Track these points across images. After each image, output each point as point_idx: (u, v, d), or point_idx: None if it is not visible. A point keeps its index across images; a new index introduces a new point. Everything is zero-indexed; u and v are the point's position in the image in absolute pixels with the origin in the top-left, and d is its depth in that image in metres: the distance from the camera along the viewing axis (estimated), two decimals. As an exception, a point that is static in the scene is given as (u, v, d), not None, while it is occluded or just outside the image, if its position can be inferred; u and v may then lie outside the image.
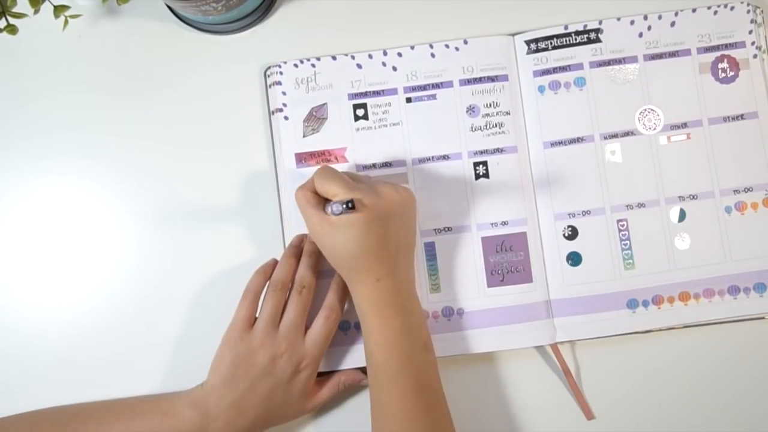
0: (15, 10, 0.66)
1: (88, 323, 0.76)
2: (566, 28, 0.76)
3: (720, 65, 0.76)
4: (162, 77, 0.78)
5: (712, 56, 0.76)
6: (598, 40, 0.76)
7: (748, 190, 0.75)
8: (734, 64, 0.76)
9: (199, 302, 0.76)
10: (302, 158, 0.76)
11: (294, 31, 0.78)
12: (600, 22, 0.76)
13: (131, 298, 0.76)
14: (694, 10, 0.76)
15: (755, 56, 0.76)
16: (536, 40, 0.77)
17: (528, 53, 0.77)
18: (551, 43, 0.76)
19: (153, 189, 0.77)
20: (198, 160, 0.77)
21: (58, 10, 0.69)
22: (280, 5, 0.78)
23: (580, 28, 0.76)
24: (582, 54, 0.76)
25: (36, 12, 0.66)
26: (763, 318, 0.75)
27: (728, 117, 0.76)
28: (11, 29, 0.66)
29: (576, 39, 0.76)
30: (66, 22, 0.70)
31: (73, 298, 0.76)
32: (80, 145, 0.77)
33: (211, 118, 0.77)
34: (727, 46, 0.76)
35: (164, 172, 0.77)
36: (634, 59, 0.76)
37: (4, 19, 0.66)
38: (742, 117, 0.76)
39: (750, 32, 0.76)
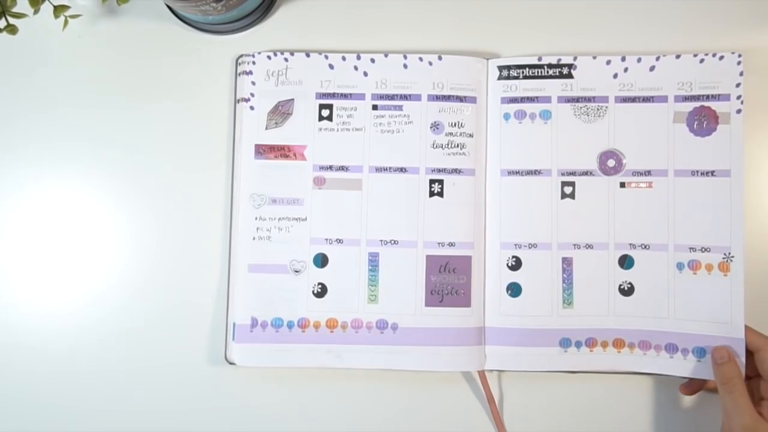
0: (15, 10, 0.67)
1: (85, 320, 0.79)
2: (540, 59, 0.76)
3: (697, 116, 0.75)
4: (161, 77, 0.79)
5: (690, 106, 0.75)
6: (570, 76, 0.76)
7: (706, 250, 0.74)
8: (713, 117, 0.74)
9: (181, 293, 0.79)
10: (261, 150, 0.77)
11: (293, 31, 0.79)
12: (574, 58, 0.76)
13: (127, 294, 0.79)
14: (678, 57, 0.75)
15: (739, 111, 0.74)
16: (508, 67, 0.76)
17: (499, 79, 0.76)
18: (523, 72, 0.76)
19: (152, 190, 0.79)
20: (198, 158, 0.79)
21: (58, 10, 0.71)
22: (279, 5, 0.80)
23: (554, 61, 0.76)
24: (552, 87, 0.76)
25: (36, 12, 0.68)
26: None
27: (697, 171, 0.74)
28: (11, 29, 0.67)
29: (548, 72, 0.76)
30: (66, 22, 0.72)
31: (72, 296, 0.79)
32: (80, 143, 0.79)
33: (211, 116, 0.79)
34: (708, 97, 0.75)
35: (163, 171, 0.79)
36: (604, 99, 0.75)
37: (4, 19, 0.67)
38: (712, 173, 0.74)
39: (738, 85, 0.74)
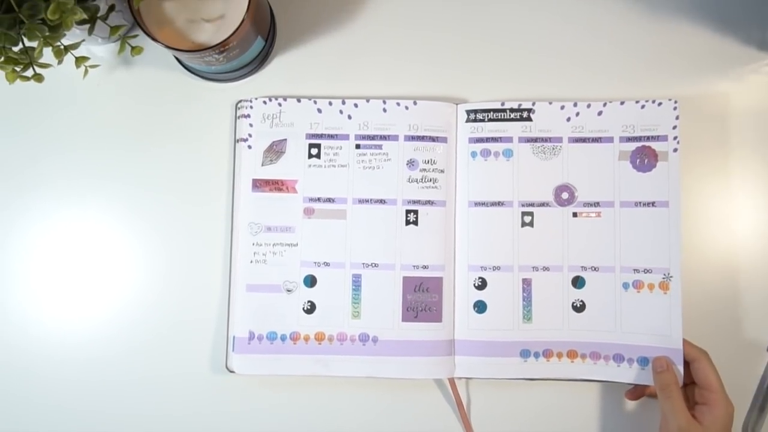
0: (41, 60, 0.70)
1: (103, 334, 0.85)
2: (503, 104, 0.82)
3: (639, 155, 0.81)
4: (170, 120, 0.85)
5: (633, 146, 0.81)
6: (529, 119, 0.82)
7: (648, 271, 0.80)
8: (653, 155, 0.81)
9: (187, 310, 0.85)
10: (258, 184, 0.83)
11: (286, 79, 0.85)
12: (533, 104, 0.82)
13: (139, 311, 0.85)
14: (622, 103, 0.82)
15: (675, 150, 0.81)
16: (475, 111, 0.83)
17: (467, 121, 0.83)
18: (488, 116, 0.83)
19: (162, 219, 0.85)
20: (202, 191, 0.85)
21: (79, 60, 0.74)
22: (274, 57, 0.86)
23: (515, 106, 0.82)
24: (513, 129, 0.82)
25: (60, 62, 0.71)
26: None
27: (640, 202, 0.81)
28: (38, 78, 0.70)
29: (510, 115, 0.83)
30: (86, 71, 0.75)
31: (91, 312, 0.85)
32: (99, 179, 0.85)
33: (213, 154, 0.85)
34: (649, 138, 0.81)
35: (172, 202, 0.85)
36: (559, 140, 0.82)
37: (31, 68, 0.70)
38: (653, 204, 0.81)
39: (674, 127, 0.81)
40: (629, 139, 0.82)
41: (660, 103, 0.82)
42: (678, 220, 0.80)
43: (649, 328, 0.79)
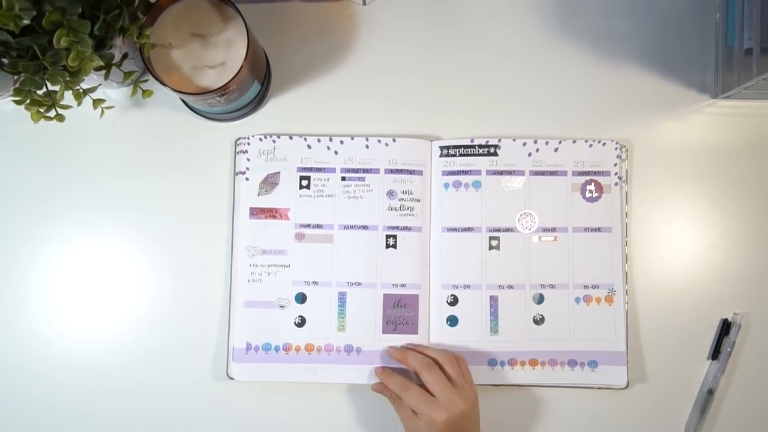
0: (63, 102, 0.73)
1: (117, 345, 0.89)
2: (472, 141, 0.89)
3: (588, 187, 0.90)
4: (177, 155, 0.90)
5: (582, 179, 0.90)
6: (495, 154, 0.90)
7: (595, 287, 0.89)
8: (599, 188, 0.90)
9: (191, 324, 0.91)
10: (255, 212, 0.90)
11: (280, 119, 0.91)
12: (499, 140, 0.89)
13: (149, 324, 0.90)
14: (574, 141, 0.90)
15: (616, 184, 0.90)
16: (448, 147, 0.89)
17: (440, 156, 0.89)
18: (459, 151, 0.89)
19: (170, 243, 0.90)
20: (205, 218, 0.91)
21: (96, 102, 0.78)
22: (269, 99, 0.92)
23: (483, 143, 0.89)
24: (481, 163, 0.89)
25: (79, 104, 0.75)
26: (591, 388, 0.89)
27: (588, 228, 0.89)
28: (60, 117, 0.74)
29: (478, 151, 0.89)
30: (102, 111, 0.79)
31: (107, 326, 0.90)
32: (114, 207, 0.90)
33: (215, 185, 0.91)
34: (595, 173, 0.90)
35: (178, 228, 0.90)
36: (521, 173, 0.89)
37: (54, 109, 0.73)
38: (599, 230, 0.89)
39: (615, 165, 0.90)
40: (580, 173, 0.90)
41: (604, 143, 0.90)
42: (620, 243, 0.89)
43: (597, 335, 0.88)
